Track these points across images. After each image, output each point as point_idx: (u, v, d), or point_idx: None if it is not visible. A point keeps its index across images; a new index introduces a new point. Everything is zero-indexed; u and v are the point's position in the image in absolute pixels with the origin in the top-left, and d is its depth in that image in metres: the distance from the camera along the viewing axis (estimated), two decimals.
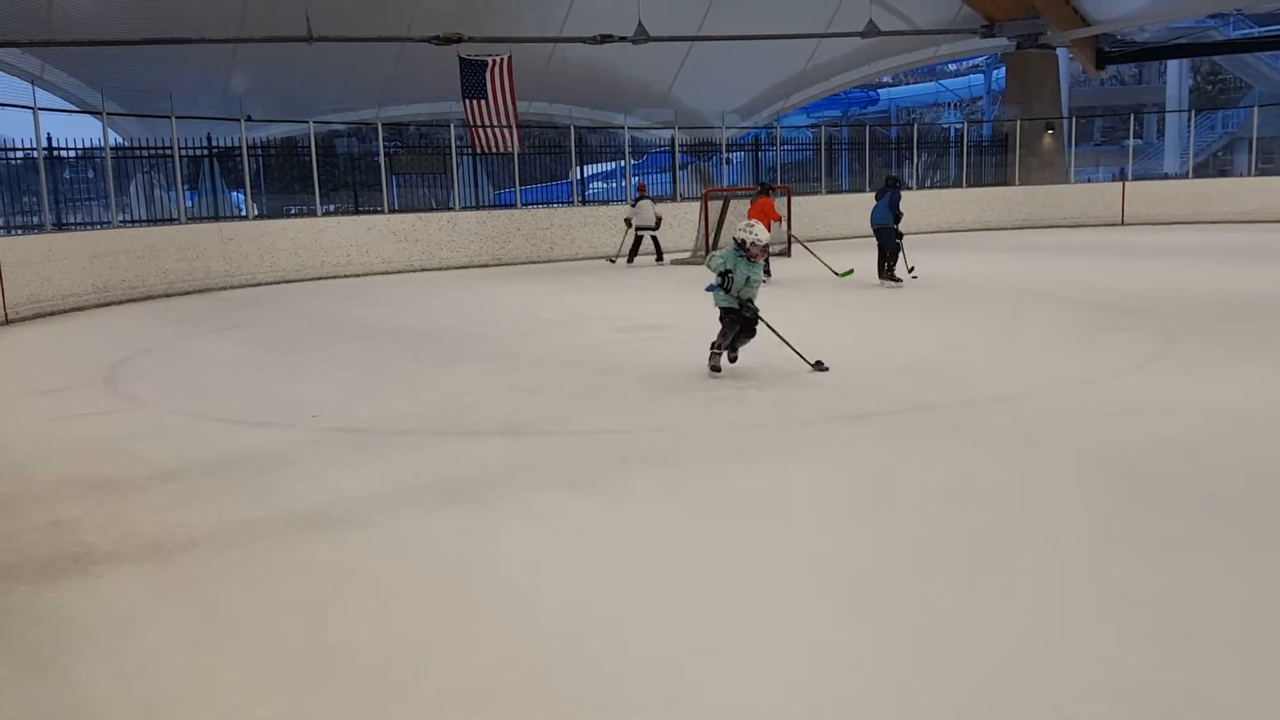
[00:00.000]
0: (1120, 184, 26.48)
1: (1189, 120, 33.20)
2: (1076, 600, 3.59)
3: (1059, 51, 33.74)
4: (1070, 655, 3.16)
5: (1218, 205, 24.60)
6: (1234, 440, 5.65)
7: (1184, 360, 8.11)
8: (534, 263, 20.70)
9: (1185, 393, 6.92)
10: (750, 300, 8.04)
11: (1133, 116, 30.19)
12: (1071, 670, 3.07)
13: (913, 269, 14.13)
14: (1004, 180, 27.86)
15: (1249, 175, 26.86)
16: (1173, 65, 46.19)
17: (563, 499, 4.97)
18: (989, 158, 29.55)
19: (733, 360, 8.19)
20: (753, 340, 8.18)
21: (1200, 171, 31.88)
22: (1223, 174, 31.47)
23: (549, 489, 5.14)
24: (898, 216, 13.66)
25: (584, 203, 24.15)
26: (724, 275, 7.95)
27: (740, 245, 8.03)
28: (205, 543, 4.48)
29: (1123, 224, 25.21)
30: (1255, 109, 28.99)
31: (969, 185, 26.88)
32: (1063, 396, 6.94)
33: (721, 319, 8.13)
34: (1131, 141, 29.62)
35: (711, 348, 8.06)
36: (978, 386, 7.29)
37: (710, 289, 8.09)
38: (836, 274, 14.94)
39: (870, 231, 14.01)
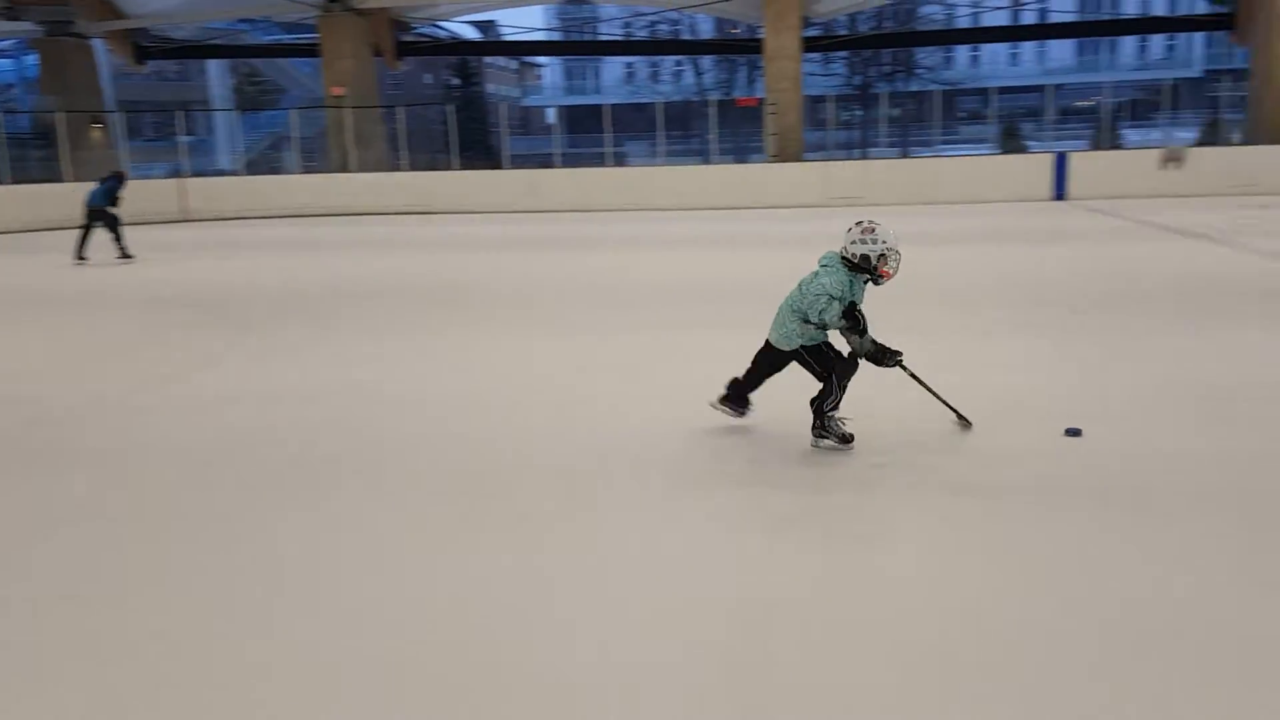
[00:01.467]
0: (179, 180, 26.47)
1: (236, 119, 34.69)
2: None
3: (95, 42, 32.45)
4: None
5: (273, 200, 26.09)
6: (381, 418, 6.07)
7: (260, 350, 8.48)
8: None
9: (275, 381, 7.22)
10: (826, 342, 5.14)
11: (183, 114, 30.32)
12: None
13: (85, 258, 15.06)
14: (55, 176, 25.82)
15: (297, 173, 29.01)
16: (214, 65, 47.85)
17: None
18: (34, 151, 27.26)
19: (739, 408, 5.38)
20: None
21: (254, 168, 33.42)
22: (274, 171, 33.35)
23: None
24: (113, 201, 15.32)
25: None
26: (851, 312, 4.87)
27: (858, 264, 4.92)
28: None
29: (187, 220, 25.23)
30: (294, 111, 31.46)
31: (16, 181, 24.46)
32: (150, 398, 6.71)
33: (814, 363, 5.07)
34: (185, 138, 29.78)
35: (722, 399, 5.36)
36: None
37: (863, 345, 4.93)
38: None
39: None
